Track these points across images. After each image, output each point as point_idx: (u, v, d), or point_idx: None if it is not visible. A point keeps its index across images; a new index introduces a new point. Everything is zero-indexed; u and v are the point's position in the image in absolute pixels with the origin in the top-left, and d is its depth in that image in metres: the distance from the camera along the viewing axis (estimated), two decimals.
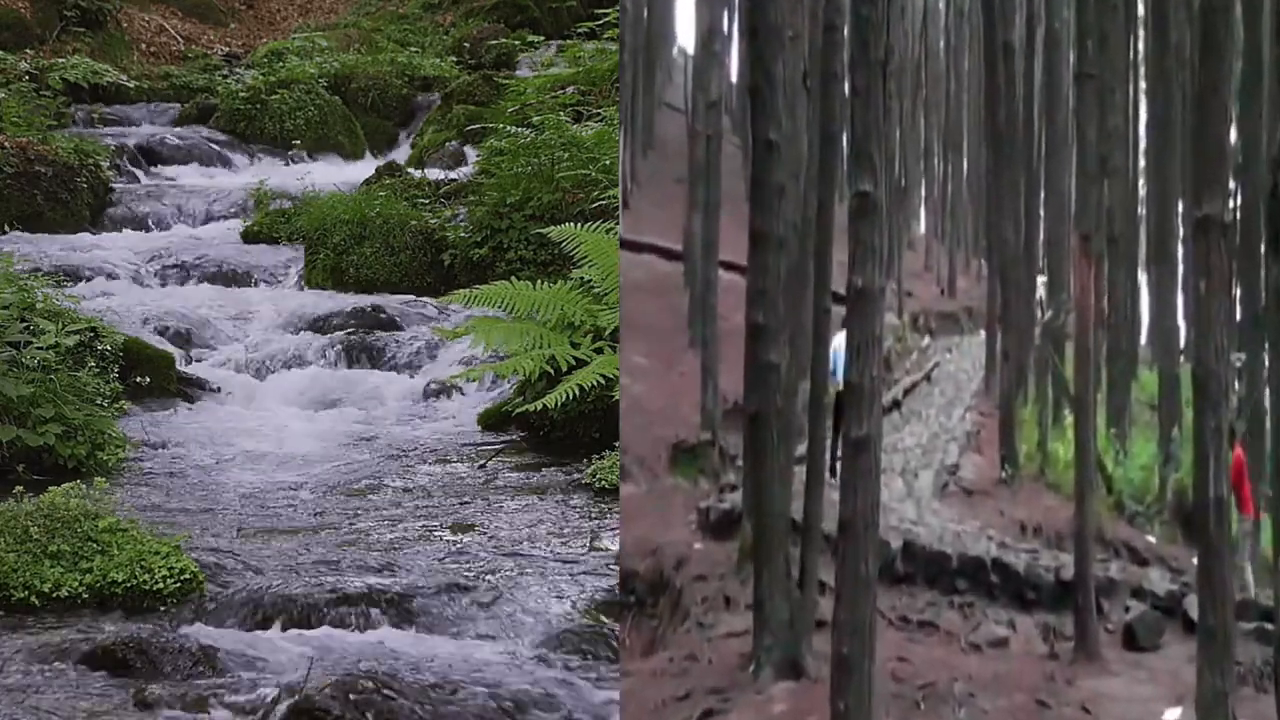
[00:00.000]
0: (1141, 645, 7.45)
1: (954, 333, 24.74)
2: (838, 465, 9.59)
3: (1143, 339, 18.36)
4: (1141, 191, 19.13)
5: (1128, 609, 7.82)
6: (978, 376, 18.08)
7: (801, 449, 8.55)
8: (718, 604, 7.76)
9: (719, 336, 11.90)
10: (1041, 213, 15.27)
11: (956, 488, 11.35)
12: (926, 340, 22.42)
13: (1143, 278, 18.64)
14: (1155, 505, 11.61)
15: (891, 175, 24.35)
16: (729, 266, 15.10)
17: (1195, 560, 9.06)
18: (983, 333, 19.43)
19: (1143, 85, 18.55)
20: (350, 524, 8.45)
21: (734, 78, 28.65)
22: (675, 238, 18.73)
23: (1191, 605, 7.46)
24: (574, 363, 9.82)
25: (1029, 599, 8.03)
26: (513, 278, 11.31)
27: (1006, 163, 13.34)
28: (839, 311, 6.71)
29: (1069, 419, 12.03)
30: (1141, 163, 19.13)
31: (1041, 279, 15.04)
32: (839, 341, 9.86)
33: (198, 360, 12.16)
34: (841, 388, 7.50)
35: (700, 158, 14.75)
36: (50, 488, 7.55)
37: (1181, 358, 14.02)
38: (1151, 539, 10.60)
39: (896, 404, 15.68)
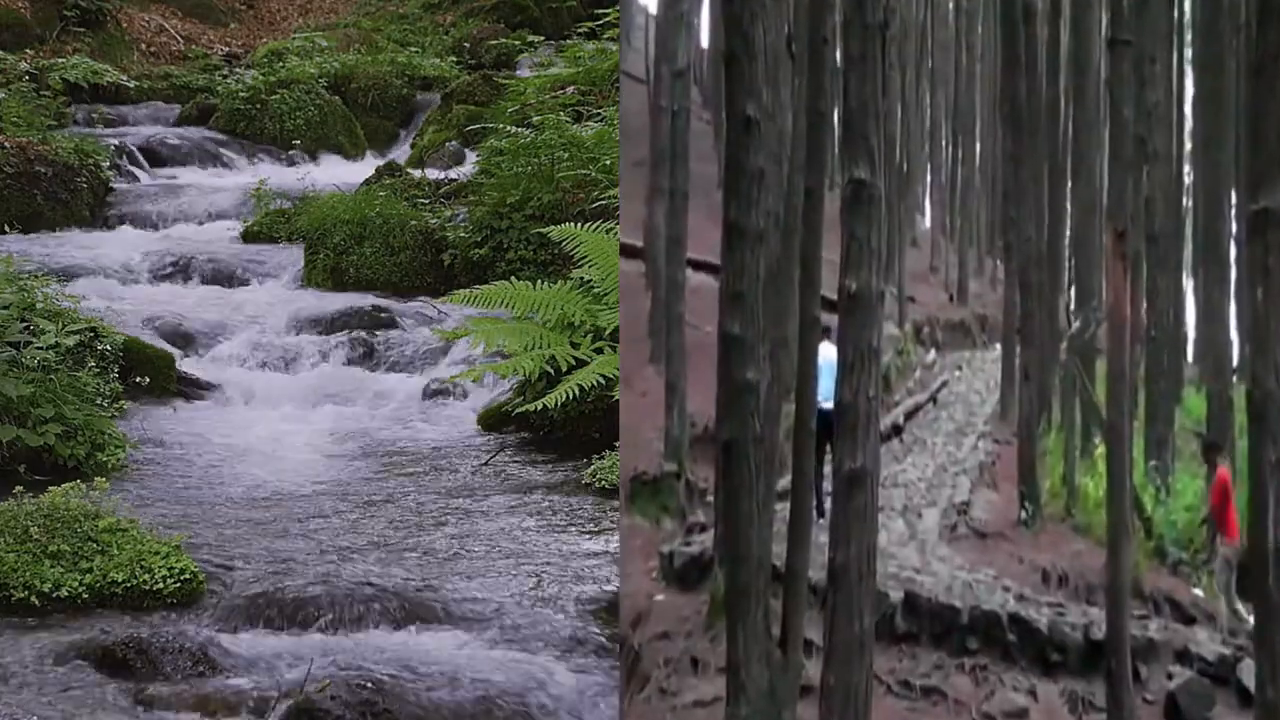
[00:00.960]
0: (1187, 719, 6.61)
1: (964, 346, 22.13)
2: (827, 502, 8.38)
3: (1189, 355, 16.03)
4: (1187, 180, 16.77)
5: (1170, 676, 6.94)
6: (992, 398, 16.15)
7: (784, 483, 7.68)
8: (683, 667, 6.76)
9: (686, 349, 10.32)
10: (1068, 205, 13.46)
11: (967, 529, 10.07)
12: (932, 355, 19.98)
13: (1188, 283, 16.36)
14: (1203, 553, 9.88)
15: (891, 160, 21.33)
16: (698, 266, 13.48)
17: (1251, 619, 8.15)
18: (998, 346, 17.35)
19: (1188, 53, 16.16)
20: (349, 524, 8.45)
21: (704, 43, 25.59)
22: (634, 231, 16.29)
23: (1247, 672, 6.63)
24: (574, 363, 9.82)
25: (1053, 662, 7.10)
26: (513, 278, 11.32)
27: (1027, 146, 11.74)
28: (829, 320, 6.06)
29: (1100, 449, 10.71)
30: (1187, 146, 16.74)
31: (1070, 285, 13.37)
32: (829, 356, 8.85)
33: (197, 360, 12.16)
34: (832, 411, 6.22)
35: (664, 137, 12.72)
36: (50, 488, 7.55)
37: (1234, 378, 12.49)
38: (1199, 593, 9.15)
39: (897, 430, 14.10)
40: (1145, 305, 12.16)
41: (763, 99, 5.57)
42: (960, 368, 19.58)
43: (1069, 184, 13.06)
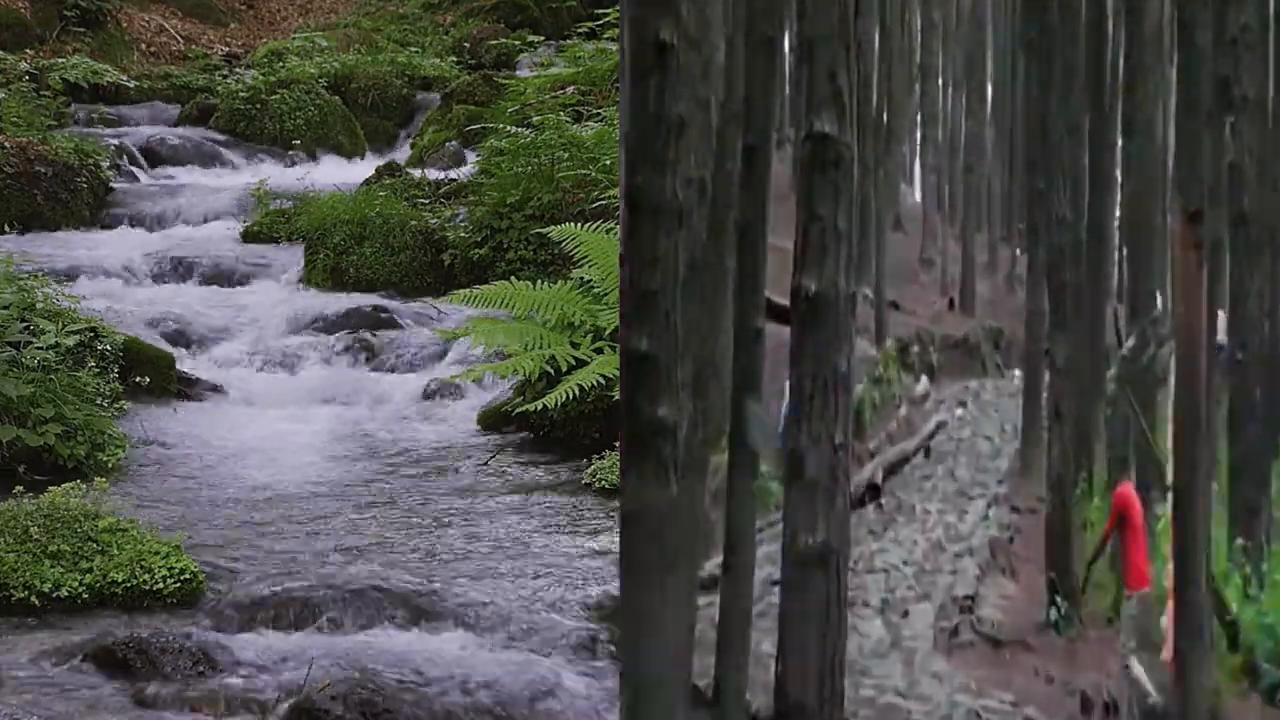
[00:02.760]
0: None
1: (970, 373, 16.55)
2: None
3: None
4: None
5: None
6: (1010, 447, 12.37)
7: (713, 566, 5.81)
8: None
9: None
10: (1118, 174, 9.98)
11: (974, 635, 7.73)
12: (924, 384, 14.95)
13: None
14: None
15: (866, 107, 15.90)
16: None
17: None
18: (1018, 374, 13.00)
19: None
20: (350, 524, 8.45)
21: None
22: None
23: None
24: (574, 363, 9.83)
25: None
26: (513, 278, 11.32)
27: (1058, 89, 8.77)
28: (777, 335, 4.54)
29: (1164, 521, 7.89)
30: None
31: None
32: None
33: (197, 360, 12.16)
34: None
35: None
36: (50, 488, 7.55)
37: None
38: None
39: (875, 491, 10.85)
40: (1229, 315, 9.30)
41: (682, 17, 3.99)
42: (964, 403, 14.72)
43: (1119, 143, 9.88)
